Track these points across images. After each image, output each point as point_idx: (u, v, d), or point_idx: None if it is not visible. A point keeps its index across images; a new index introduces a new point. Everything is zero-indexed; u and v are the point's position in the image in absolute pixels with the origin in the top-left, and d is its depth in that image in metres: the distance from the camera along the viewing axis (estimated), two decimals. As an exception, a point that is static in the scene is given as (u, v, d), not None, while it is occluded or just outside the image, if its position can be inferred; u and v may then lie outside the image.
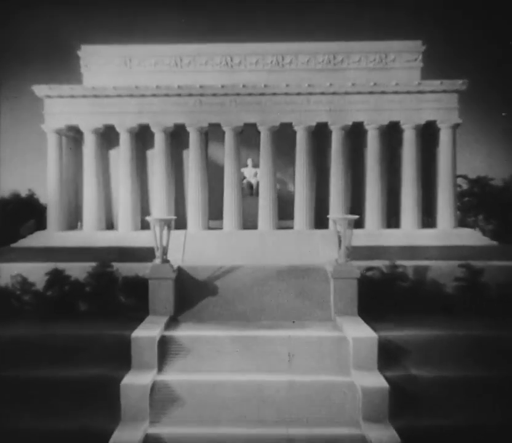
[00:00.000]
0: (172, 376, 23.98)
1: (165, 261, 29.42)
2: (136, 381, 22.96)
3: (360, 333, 24.82)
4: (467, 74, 37.75)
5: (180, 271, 30.58)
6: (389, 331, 25.85)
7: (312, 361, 24.64)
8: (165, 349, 24.99)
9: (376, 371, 23.81)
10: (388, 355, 24.71)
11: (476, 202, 48.69)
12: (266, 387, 23.27)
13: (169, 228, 29.75)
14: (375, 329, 25.43)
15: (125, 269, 31.24)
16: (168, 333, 25.80)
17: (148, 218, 30.27)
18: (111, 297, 30.21)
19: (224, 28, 46.21)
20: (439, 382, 23.76)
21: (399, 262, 31.37)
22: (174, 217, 33.87)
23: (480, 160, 47.88)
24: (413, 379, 23.93)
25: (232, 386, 23.38)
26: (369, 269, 30.91)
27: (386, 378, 23.07)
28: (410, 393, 23.41)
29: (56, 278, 30.53)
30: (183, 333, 26.02)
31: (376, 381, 22.93)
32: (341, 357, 24.63)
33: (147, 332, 25.02)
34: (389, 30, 41.00)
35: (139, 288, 29.66)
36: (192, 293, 29.85)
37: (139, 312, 28.42)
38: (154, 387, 23.25)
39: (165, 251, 29.51)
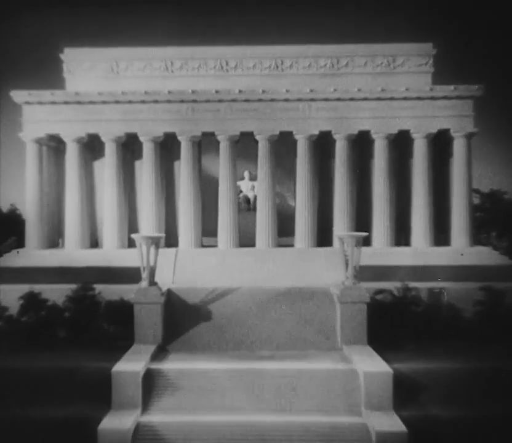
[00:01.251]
0: (158, 417, 21.42)
1: (153, 283, 26.88)
2: (116, 424, 20.36)
3: (372, 367, 22.24)
4: (481, 79, 35.20)
5: (170, 294, 28.11)
6: (403, 362, 23.27)
7: (318, 398, 22.05)
8: (151, 385, 22.44)
9: (392, 411, 21.29)
10: (404, 392, 21.99)
11: (489, 218, 46.44)
12: (267, 430, 20.70)
13: (157, 247, 27.18)
14: (387, 360, 22.88)
15: (109, 291, 28.77)
16: (155, 366, 23.25)
17: (133, 236, 27.55)
18: (92, 323, 27.64)
19: (219, 30, 44.23)
20: (463, 422, 21.10)
21: (411, 284, 28.91)
22: (162, 235, 31.33)
23: (493, 173, 46.08)
24: (433, 420, 21.30)
25: (228, 428, 20.81)
26: (379, 291, 28.39)
27: (403, 419, 20.38)
28: (430, 436, 20.72)
29: (32, 302, 27.99)
30: (172, 365, 23.51)
31: (393, 424, 20.33)
32: (351, 394, 22.08)
33: (130, 366, 22.46)
34: (397, 32, 38.71)
35: (124, 313, 27.09)
36: (183, 319, 27.35)
37: (124, 340, 25.94)
38: (137, 430, 20.77)
39: (152, 272, 26.96)
